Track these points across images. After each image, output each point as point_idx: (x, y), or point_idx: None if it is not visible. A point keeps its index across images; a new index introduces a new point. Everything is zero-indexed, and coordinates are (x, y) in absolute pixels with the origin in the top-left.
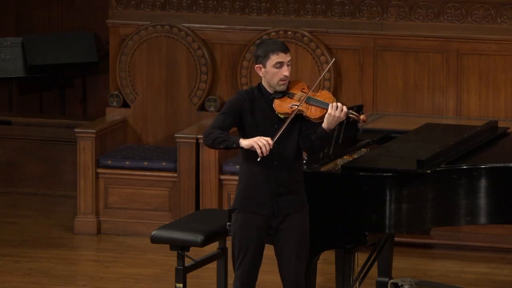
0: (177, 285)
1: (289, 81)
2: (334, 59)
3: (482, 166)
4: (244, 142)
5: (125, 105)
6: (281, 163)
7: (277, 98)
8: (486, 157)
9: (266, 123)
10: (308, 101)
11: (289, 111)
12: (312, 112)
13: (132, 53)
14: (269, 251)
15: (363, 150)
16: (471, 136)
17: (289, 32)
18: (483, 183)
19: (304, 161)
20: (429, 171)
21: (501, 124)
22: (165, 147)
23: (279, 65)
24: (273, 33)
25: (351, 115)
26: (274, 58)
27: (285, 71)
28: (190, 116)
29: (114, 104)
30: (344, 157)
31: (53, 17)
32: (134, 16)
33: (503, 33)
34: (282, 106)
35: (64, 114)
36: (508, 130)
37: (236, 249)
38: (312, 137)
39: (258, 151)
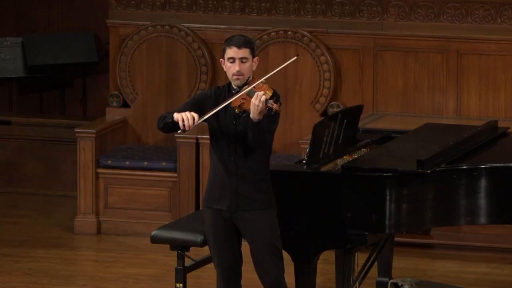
0: (177, 285)
1: (253, 77)
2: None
3: (482, 166)
4: (175, 115)
5: (125, 105)
6: (239, 160)
7: (235, 93)
8: (486, 157)
9: (226, 118)
10: (250, 94)
11: (241, 105)
12: (247, 105)
13: (132, 53)
14: None
15: (363, 150)
16: (471, 136)
17: (289, 32)
18: (483, 183)
19: (304, 161)
20: (429, 171)
21: (501, 124)
22: (165, 147)
23: (232, 60)
24: (273, 33)
25: (268, 104)
26: (228, 53)
27: (236, 66)
28: None
29: (114, 104)
30: (344, 157)
31: (53, 17)
32: (134, 16)
33: (503, 33)
34: (235, 101)
35: (64, 114)
36: (508, 130)
37: (211, 248)
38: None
39: (180, 123)
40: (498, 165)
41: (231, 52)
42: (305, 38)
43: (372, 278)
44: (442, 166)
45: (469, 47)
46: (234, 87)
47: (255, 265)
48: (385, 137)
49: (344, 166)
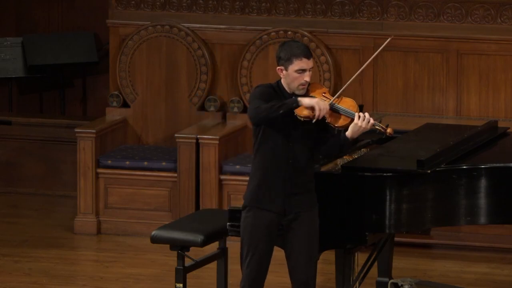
0: (177, 285)
1: (309, 83)
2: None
3: (482, 166)
4: (305, 101)
5: (125, 105)
6: (296, 163)
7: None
8: (486, 157)
9: (284, 123)
10: (332, 107)
11: (310, 115)
12: (335, 120)
13: (132, 53)
14: (274, 251)
15: (363, 150)
16: (471, 136)
17: (289, 32)
18: (483, 183)
19: None
20: (429, 171)
21: (501, 124)
22: (165, 147)
23: (301, 71)
24: (273, 33)
25: (377, 127)
26: (296, 64)
27: (307, 77)
28: (190, 116)
29: (114, 104)
30: (344, 157)
31: (53, 17)
32: (134, 16)
33: (503, 33)
34: (302, 110)
35: (64, 114)
36: (508, 130)
37: (245, 247)
38: (331, 142)
39: (317, 113)
40: (498, 165)
41: (301, 63)
42: (305, 38)
43: (372, 278)
44: (442, 166)
45: (469, 47)
46: (290, 92)
47: (290, 263)
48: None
49: (344, 166)
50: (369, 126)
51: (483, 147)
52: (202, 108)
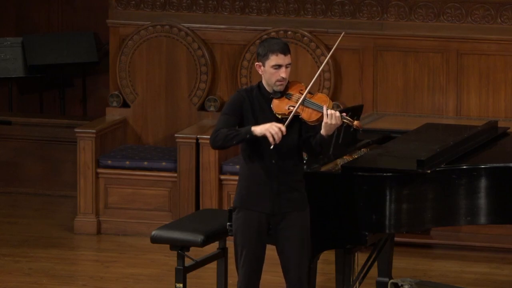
0: (177, 285)
1: (288, 81)
2: (328, 57)
3: (482, 166)
4: (257, 130)
5: (125, 105)
6: (281, 162)
7: (275, 98)
8: (486, 157)
9: (265, 122)
10: (304, 103)
11: (286, 112)
12: (307, 115)
13: (132, 53)
14: (269, 250)
15: (363, 150)
16: (471, 136)
17: (289, 32)
18: (483, 183)
19: (304, 161)
20: (429, 171)
21: (501, 124)
22: (165, 147)
23: (277, 66)
24: (273, 33)
25: (345, 120)
26: (273, 59)
27: (283, 73)
28: (190, 116)
29: (114, 104)
30: (344, 157)
31: (53, 17)
32: (134, 16)
33: (503, 33)
34: (279, 107)
35: (64, 114)
36: (508, 130)
37: (238, 248)
38: (312, 142)
39: (270, 139)
40: (498, 165)
41: (277, 59)
42: (305, 38)
43: (372, 278)
44: (442, 166)
45: (469, 47)
46: (271, 92)
47: (282, 262)
48: (385, 137)
49: (344, 166)
50: (338, 121)
51: (483, 147)
52: (202, 108)
